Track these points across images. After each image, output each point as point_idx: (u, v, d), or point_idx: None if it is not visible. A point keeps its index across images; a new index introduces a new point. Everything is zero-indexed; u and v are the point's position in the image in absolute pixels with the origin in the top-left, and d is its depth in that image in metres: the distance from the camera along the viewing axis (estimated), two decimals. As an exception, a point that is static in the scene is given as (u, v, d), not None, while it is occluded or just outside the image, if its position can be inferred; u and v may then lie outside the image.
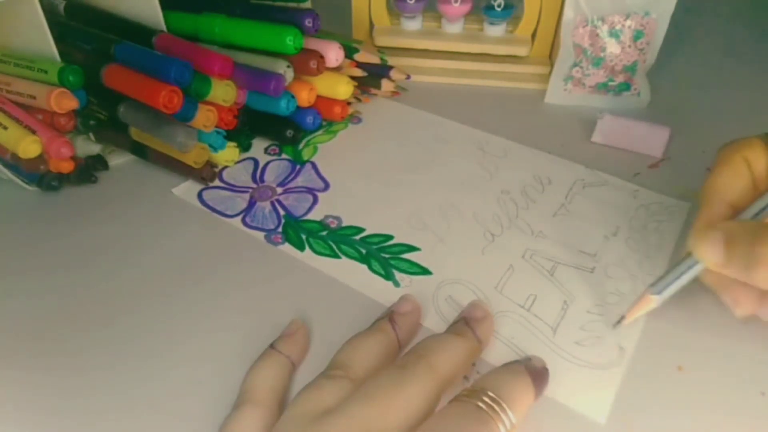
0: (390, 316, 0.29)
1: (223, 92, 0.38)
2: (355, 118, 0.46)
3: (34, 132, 0.36)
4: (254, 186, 0.40)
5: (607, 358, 0.29)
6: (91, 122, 0.39)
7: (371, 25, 0.51)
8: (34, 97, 0.36)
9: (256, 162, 0.42)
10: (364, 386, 0.24)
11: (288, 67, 0.40)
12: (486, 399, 0.23)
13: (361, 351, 0.26)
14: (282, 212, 0.37)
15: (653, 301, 0.28)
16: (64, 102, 0.36)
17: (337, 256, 0.34)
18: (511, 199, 0.38)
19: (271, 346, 0.28)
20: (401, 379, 0.23)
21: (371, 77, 0.46)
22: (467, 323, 0.28)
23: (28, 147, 0.35)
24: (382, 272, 0.33)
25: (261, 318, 0.31)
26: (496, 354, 0.29)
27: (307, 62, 0.40)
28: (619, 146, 0.42)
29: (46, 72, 0.36)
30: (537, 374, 0.25)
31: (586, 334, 0.30)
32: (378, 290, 0.32)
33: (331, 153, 0.42)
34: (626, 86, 0.46)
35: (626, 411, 0.27)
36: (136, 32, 0.39)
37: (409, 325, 0.29)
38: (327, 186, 0.40)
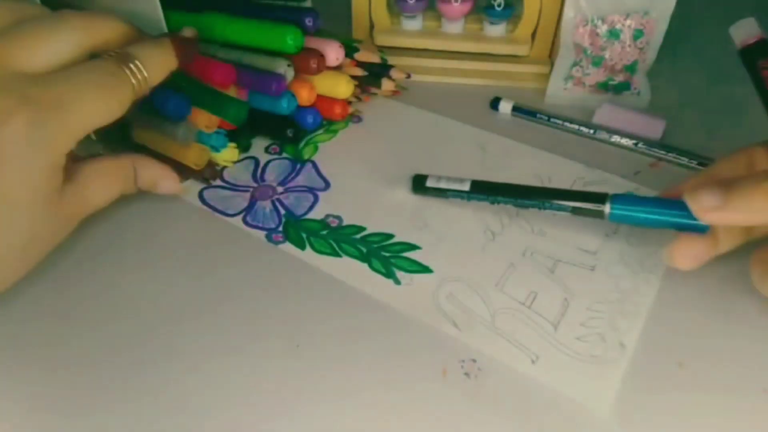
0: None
1: (224, 92, 0.38)
2: (355, 117, 0.46)
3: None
4: (255, 185, 0.40)
5: (608, 355, 0.29)
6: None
7: (371, 24, 0.51)
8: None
9: (256, 161, 0.42)
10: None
11: (288, 66, 0.40)
12: (125, 60, 0.30)
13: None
14: (283, 211, 0.37)
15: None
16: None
17: (337, 255, 0.34)
18: (512, 198, 0.38)
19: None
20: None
21: (372, 76, 0.46)
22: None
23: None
24: (383, 271, 0.33)
25: (261, 317, 0.31)
26: (497, 351, 0.29)
27: (307, 61, 0.40)
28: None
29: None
30: (181, 43, 0.33)
31: (587, 330, 0.30)
32: (378, 288, 0.32)
33: (332, 152, 0.42)
34: (626, 86, 0.46)
35: (627, 407, 0.27)
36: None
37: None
38: (327, 185, 0.40)
